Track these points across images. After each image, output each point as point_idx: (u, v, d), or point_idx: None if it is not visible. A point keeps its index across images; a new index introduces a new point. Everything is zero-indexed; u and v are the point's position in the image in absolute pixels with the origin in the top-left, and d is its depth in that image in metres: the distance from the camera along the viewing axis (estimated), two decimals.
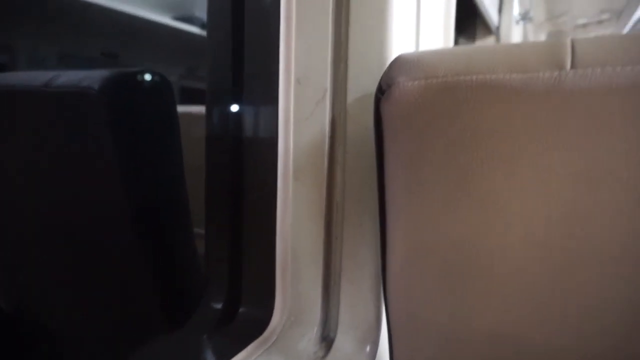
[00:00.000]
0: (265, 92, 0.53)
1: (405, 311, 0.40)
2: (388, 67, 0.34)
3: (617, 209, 0.28)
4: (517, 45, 0.31)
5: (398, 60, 0.34)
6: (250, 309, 0.57)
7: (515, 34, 1.81)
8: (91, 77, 0.51)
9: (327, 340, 0.53)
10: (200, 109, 0.65)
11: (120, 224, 0.55)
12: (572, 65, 0.27)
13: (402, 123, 0.33)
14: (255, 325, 0.55)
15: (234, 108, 0.55)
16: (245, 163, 0.54)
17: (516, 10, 1.78)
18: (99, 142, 0.51)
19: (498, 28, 1.71)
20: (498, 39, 1.72)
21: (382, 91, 0.33)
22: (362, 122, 0.47)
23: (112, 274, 0.58)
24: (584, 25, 3.48)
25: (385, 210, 0.37)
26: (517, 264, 0.32)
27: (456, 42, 1.80)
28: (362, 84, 0.46)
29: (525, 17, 1.83)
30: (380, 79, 0.34)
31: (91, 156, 0.52)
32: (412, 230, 0.35)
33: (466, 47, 0.33)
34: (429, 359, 0.41)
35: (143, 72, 0.52)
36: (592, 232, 0.29)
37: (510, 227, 0.31)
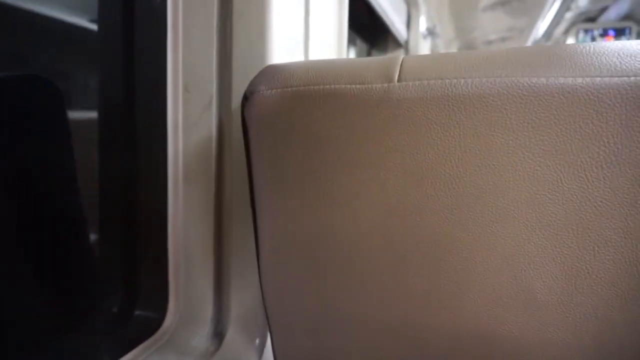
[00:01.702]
0: (154, 100, 0.54)
1: (278, 302, 0.43)
2: (254, 77, 0.38)
3: (439, 200, 0.33)
4: (360, 60, 0.35)
5: (264, 70, 0.38)
6: (146, 311, 0.58)
7: (423, 48, 1.94)
8: None
9: (219, 336, 0.55)
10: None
11: (7, 229, 0.54)
12: (399, 79, 0.32)
13: (263, 128, 0.36)
14: (149, 326, 0.56)
15: (126, 114, 0.56)
16: (137, 168, 0.55)
17: (423, 26, 1.90)
18: None
19: (407, 42, 1.82)
20: (407, 52, 1.83)
21: (247, 98, 0.36)
22: None
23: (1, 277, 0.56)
24: (490, 42, 3.77)
25: (255, 208, 0.41)
26: (366, 252, 0.36)
27: (369, 54, 1.90)
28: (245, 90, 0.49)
29: (431, 32, 1.96)
30: (246, 89, 0.37)
31: None
32: (278, 226, 0.39)
33: (321, 60, 0.37)
34: (303, 346, 0.44)
35: (26, 76, 0.52)
36: (422, 220, 0.34)
37: (357, 220, 0.35)
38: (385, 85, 0.32)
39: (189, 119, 0.52)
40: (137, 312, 0.58)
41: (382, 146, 0.33)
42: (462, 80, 0.30)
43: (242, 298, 0.53)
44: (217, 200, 0.52)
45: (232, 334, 0.53)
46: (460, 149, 0.31)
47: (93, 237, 0.59)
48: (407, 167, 0.33)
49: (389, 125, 0.33)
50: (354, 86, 0.33)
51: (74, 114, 0.70)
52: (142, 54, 0.53)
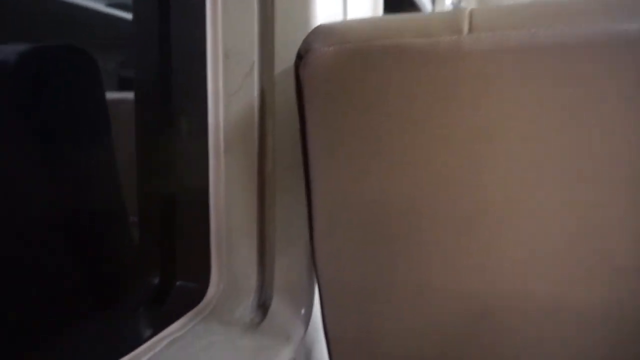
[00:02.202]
0: (193, 69, 0.53)
1: (332, 271, 0.42)
2: (307, 36, 0.36)
3: (512, 158, 0.31)
4: (422, 14, 0.33)
5: (316, 29, 0.36)
6: (187, 282, 0.57)
7: None
8: (4, 51, 0.49)
9: (263, 307, 0.55)
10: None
11: (48, 204, 0.53)
12: (469, 30, 0.30)
13: (319, 87, 0.35)
14: (192, 297, 0.56)
15: (163, 87, 0.55)
16: (177, 139, 0.54)
17: (448, 1, 1.84)
18: (18, 118, 0.49)
19: None
20: None
21: (301, 57, 0.35)
22: (290, 93, 0.48)
23: (47, 253, 0.56)
24: None
25: (309, 174, 0.39)
26: (427, 216, 0.35)
27: None
28: (289, 55, 0.47)
29: (457, 6, 1.90)
30: (300, 47, 0.36)
31: (10, 133, 0.50)
32: (333, 191, 0.38)
33: (378, 17, 0.35)
34: (356, 315, 0.43)
35: (64, 46, 0.51)
36: (492, 180, 0.32)
37: (419, 181, 0.34)
38: (455, 37, 0.30)
39: (229, 86, 0.50)
40: (178, 283, 0.58)
41: (449, 102, 0.31)
42: (542, 30, 0.28)
43: (286, 268, 0.52)
44: (259, 169, 0.51)
45: (277, 304, 0.53)
46: (536, 103, 0.29)
47: (133, 209, 0.59)
48: (476, 124, 0.31)
49: (457, 80, 0.31)
50: (419, 40, 0.31)
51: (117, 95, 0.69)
52: (180, 21, 0.52)
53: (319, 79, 0.34)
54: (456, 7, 2.01)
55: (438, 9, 1.84)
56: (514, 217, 0.33)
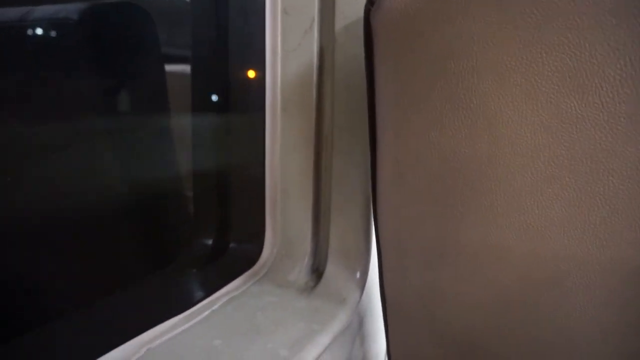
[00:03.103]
0: (251, 24, 0.52)
1: (394, 231, 0.41)
2: None
3: (605, 109, 0.29)
4: None
5: None
6: (241, 244, 0.57)
7: None
8: (67, 9, 0.49)
9: (317, 271, 0.54)
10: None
11: (107, 162, 0.54)
12: None
13: (392, 33, 0.33)
14: (246, 260, 0.56)
15: (220, 42, 0.54)
16: (233, 97, 0.54)
17: None
18: (84, 75, 0.50)
19: None
20: None
21: (372, 2, 0.33)
22: (350, 51, 0.46)
23: (102, 215, 0.58)
24: None
25: (375, 127, 0.38)
26: (503, 173, 0.33)
27: None
28: (350, 11, 0.45)
29: None
30: None
31: (75, 89, 0.51)
32: (402, 145, 0.36)
33: None
34: (417, 278, 0.42)
35: (121, 2, 0.51)
36: (580, 137, 0.30)
37: (497, 136, 0.32)
38: None
39: (288, 43, 0.49)
40: (232, 245, 0.58)
41: (536, 46, 0.29)
42: None
43: (342, 232, 0.51)
44: (317, 131, 0.50)
45: (332, 268, 0.52)
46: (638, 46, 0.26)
47: (188, 170, 0.59)
48: (566, 71, 0.29)
49: (545, 21, 0.28)
50: None
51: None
52: None
53: (392, 24, 0.32)
54: None
55: None
56: (599, 177, 0.30)
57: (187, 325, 0.44)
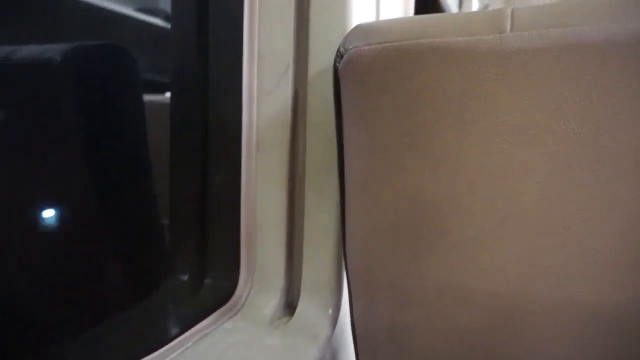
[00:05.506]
0: (229, 68, 0.54)
1: (363, 270, 0.42)
2: (347, 35, 0.36)
3: (552, 161, 0.31)
4: (464, 13, 0.34)
5: (356, 28, 0.36)
6: (216, 280, 0.58)
7: None
8: (52, 50, 0.51)
9: (291, 306, 0.55)
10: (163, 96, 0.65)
11: (83, 199, 0.55)
12: (512, 29, 0.30)
13: (359, 86, 0.35)
14: (221, 295, 0.56)
15: (199, 84, 0.56)
16: (211, 137, 0.55)
17: (475, 5, 1.84)
18: (63, 113, 0.51)
19: None
20: None
21: (341, 56, 0.35)
22: (323, 94, 0.49)
23: (78, 251, 0.58)
24: None
25: (344, 171, 0.40)
26: (462, 216, 0.35)
27: None
28: (323, 56, 0.48)
29: (485, 8, 1.89)
30: (339, 46, 0.36)
31: (55, 128, 0.52)
32: (369, 189, 0.38)
33: (419, 16, 0.35)
34: (386, 315, 0.43)
35: (105, 45, 0.52)
36: (531, 181, 0.32)
37: (458, 181, 0.34)
38: (497, 36, 0.30)
39: (264, 86, 0.51)
40: (207, 281, 0.59)
41: (490, 102, 0.31)
42: (587, 28, 0.28)
43: (315, 268, 0.52)
44: (290, 169, 0.52)
45: (305, 304, 0.53)
46: (580, 102, 0.29)
47: (164, 206, 0.60)
48: (517, 124, 0.31)
49: (499, 80, 0.31)
50: (461, 39, 0.31)
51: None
52: (217, 21, 0.53)
53: (358, 77, 0.35)
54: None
55: (465, 11, 1.84)
56: (553, 221, 0.32)
57: None
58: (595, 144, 0.29)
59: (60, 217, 0.52)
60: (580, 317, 0.35)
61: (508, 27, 0.30)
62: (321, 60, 0.48)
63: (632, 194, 0.29)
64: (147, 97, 0.65)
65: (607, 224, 0.30)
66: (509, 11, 0.32)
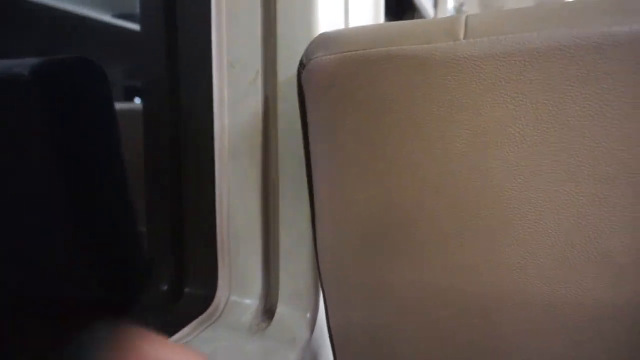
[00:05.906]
0: (199, 76, 0.54)
1: (336, 274, 0.43)
2: (309, 44, 0.37)
3: (507, 163, 0.32)
4: (421, 21, 0.34)
5: (318, 37, 0.37)
6: (195, 289, 0.58)
7: None
8: (21, 64, 0.51)
9: (269, 312, 0.55)
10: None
11: (57, 212, 0.54)
12: (465, 36, 0.31)
13: (321, 95, 0.36)
14: (200, 304, 0.56)
15: (171, 92, 0.56)
16: (184, 146, 0.55)
17: (450, 4, 1.86)
18: (32, 128, 0.50)
19: None
20: None
21: (303, 65, 0.36)
22: (293, 101, 0.49)
23: (55, 262, 0.57)
24: None
25: (312, 179, 0.40)
26: (428, 218, 0.35)
27: None
28: (291, 63, 0.48)
29: (459, 10, 1.92)
30: (302, 56, 0.37)
31: (24, 143, 0.51)
32: (336, 197, 0.38)
33: (379, 24, 0.36)
34: (361, 318, 0.44)
35: (74, 58, 0.52)
36: (489, 182, 0.33)
37: (420, 185, 0.35)
38: (451, 43, 0.31)
39: (235, 94, 0.51)
40: (186, 290, 0.59)
41: (447, 106, 0.32)
42: (535, 34, 0.29)
43: (291, 273, 0.53)
44: (264, 176, 0.52)
45: (283, 310, 0.53)
46: (531, 106, 0.30)
47: (141, 216, 0.60)
48: (474, 127, 0.32)
49: (455, 84, 0.32)
50: (418, 46, 0.32)
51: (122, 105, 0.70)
52: (186, 31, 0.53)
53: (320, 86, 0.35)
54: (458, 13, 2.03)
55: (440, 15, 1.86)
56: (512, 219, 0.33)
57: None
58: (547, 146, 0.30)
59: (35, 234, 0.52)
60: (540, 311, 0.36)
61: (462, 35, 0.31)
62: (289, 67, 0.49)
63: (588, 195, 0.30)
64: (121, 105, 0.64)
65: (560, 221, 0.31)
66: (463, 18, 0.32)
